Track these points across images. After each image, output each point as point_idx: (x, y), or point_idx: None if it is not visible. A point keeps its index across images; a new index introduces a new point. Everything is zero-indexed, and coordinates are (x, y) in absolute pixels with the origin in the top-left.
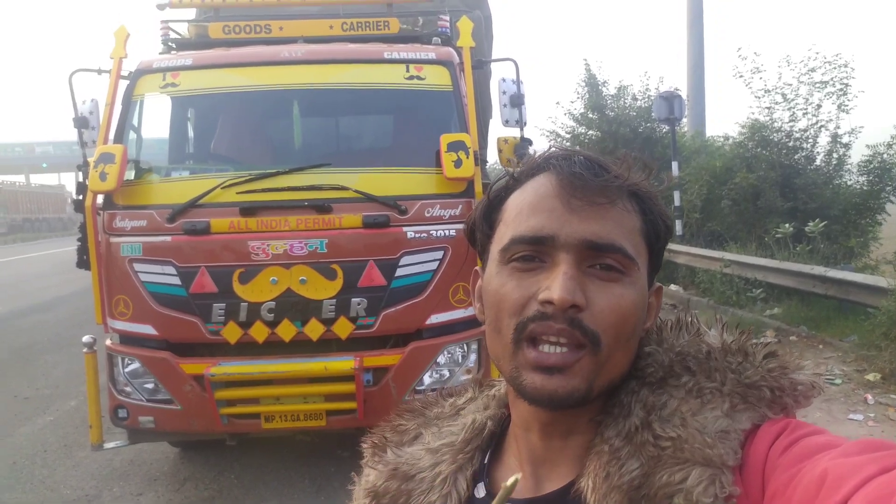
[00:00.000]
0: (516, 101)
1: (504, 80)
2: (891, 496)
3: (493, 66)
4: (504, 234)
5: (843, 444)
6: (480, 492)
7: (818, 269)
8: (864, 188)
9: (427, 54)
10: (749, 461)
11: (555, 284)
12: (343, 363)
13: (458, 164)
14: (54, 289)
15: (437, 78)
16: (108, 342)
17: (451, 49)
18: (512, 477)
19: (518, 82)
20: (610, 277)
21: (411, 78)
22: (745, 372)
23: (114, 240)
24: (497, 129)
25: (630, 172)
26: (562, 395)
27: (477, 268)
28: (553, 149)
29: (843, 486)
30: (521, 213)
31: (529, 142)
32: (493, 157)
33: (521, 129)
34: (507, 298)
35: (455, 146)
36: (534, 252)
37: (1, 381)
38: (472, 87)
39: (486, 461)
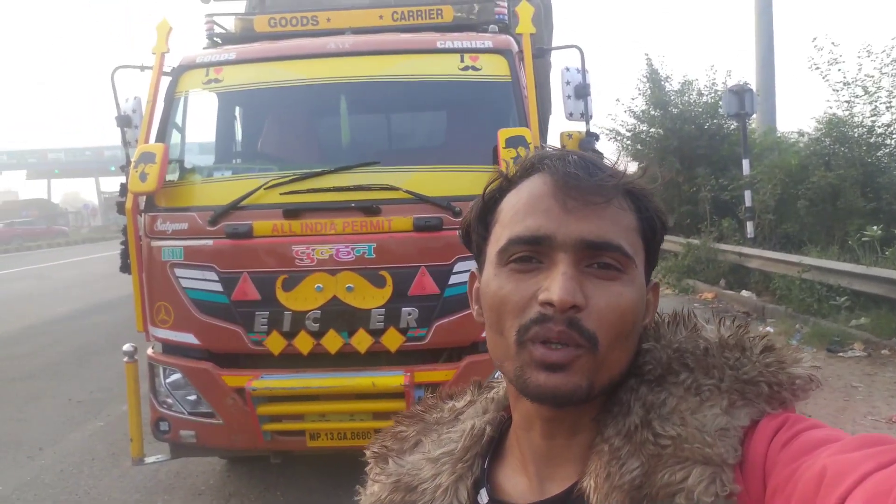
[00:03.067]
0: (581, 91)
1: (568, 69)
2: (889, 492)
3: (554, 56)
4: (501, 235)
5: (843, 440)
6: (483, 498)
7: None
8: None
9: (483, 43)
10: (749, 458)
11: (554, 285)
12: (392, 378)
13: (518, 161)
14: (116, 289)
15: (494, 68)
16: (149, 351)
17: (509, 37)
18: None
19: (583, 71)
20: (608, 276)
21: (466, 68)
22: (742, 368)
23: (154, 243)
24: (559, 125)
25: (624, 171)
26: (564, 392)
27: (473, 270)
28: (546, 149)
29: (842, 482)
30: (517, 214)
31: (596, 136)
32: None
33: (588, 123)
34: (508, 300)
35: (514, 142)
36: (532, 252)
37: (57, 383)
38: (532, 77)
39: (485, 466)
